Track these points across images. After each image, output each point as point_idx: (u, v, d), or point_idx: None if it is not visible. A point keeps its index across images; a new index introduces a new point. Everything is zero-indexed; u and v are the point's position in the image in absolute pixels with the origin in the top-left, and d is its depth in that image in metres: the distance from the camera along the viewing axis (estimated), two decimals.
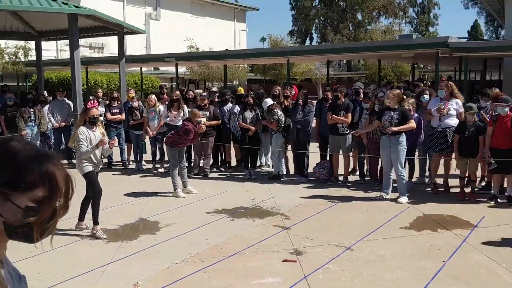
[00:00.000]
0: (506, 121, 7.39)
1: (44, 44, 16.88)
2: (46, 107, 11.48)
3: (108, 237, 6.22)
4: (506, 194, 7.64)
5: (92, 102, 6.60)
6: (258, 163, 10.60)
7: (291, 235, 6.17)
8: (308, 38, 54.14)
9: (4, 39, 19.66)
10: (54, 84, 25.79)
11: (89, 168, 6.32)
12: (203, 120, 9.05)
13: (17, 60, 21.54)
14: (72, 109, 11.49)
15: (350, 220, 6.85)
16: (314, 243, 5.85)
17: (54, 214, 1.22)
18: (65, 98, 11.78)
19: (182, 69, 30.01)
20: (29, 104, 11.05)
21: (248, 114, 9.79)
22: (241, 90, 11.40)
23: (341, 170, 9.40)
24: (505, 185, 7.78)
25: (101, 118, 10.87)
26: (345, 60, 45.57)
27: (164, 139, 9.06)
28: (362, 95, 9.69)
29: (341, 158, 9.27)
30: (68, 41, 13.22)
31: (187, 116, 9.31)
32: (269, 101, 9.75)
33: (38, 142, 11.25)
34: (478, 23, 57.81)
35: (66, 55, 31.16)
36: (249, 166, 9.85)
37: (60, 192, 1.22)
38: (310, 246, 5.74)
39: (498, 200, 7.62)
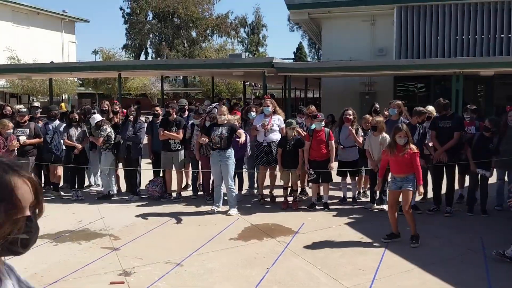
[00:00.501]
0: (321, 135, 8.18)
1: None
2: None
3: None
4: (323, 201, 8.41)
5: None
6: (87, 183, 10.08)
7: (119, 256, 5.97)
8: (143, 53, 53.46)
9: None
10: None
11: None
12: (22, 138, 8.37)
13: None
14: None
15: (181, 236, 6.88)
16: (143, 262, 5.73)
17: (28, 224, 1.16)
18: None
19: (1, 82, 27.26)
20: None
21: (74, 131, 9.27)
22: (63, 107, 10.79)
23: (174, 186, 9.42)
24: (321, 193, 8.56)
25: None
26: (181, 76, 46.02)
27: None
28: (186, 112, 9.91)
29: (174, 174, 9.29)
30: None
31: None
32: (97, 117, 9.38)
33: None
34: (302, 45, 63.18)
35: None
36: (76, 186, 9.30)
37: (20, 203, 1.11)
38: (139, 266, 5.62)
39: (316, 207, 8.36)
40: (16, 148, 8.50)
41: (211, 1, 50.62)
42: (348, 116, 8.65)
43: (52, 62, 22.40)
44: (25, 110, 9.90)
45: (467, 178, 8.55)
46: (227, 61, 17.54)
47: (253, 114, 9.35)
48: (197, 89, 43.60)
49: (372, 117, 8.67)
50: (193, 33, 51.56)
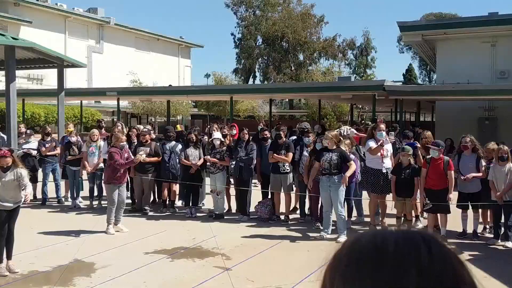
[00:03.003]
0: (439, 163, 7.76)
1: None
2: None
3: (39, 280, 5.89)
4: (440, 234, 7.93)
5: (3, 151, 6.32)
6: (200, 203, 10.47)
7: (232, 276, 6.09)
8: (251, 76, 55.10)
9: None
10: None
11: None
12: (143, 156, 8.93)
13: None
14: (6, 143, 10.98)
15: (291, 261, 6.86)
16: (255, 285, 5.79)
17: None
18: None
19: (124, 103, 29.60)
20: None
21: (191, 151, 9.73)
22: (179, 127, 11.35)
23: (282, 208, 9.47)
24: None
25: (34, 152, 10.49)
26: (287, 99, 46.62)
27: (102, 178, 8.86)
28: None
29: (282, 196, 9.36)
30: (2, 71, 12.78)
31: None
32: (217, 135, 9.68)
33: None
34: (412, 67, 61.09)
35: (2, 86, 30.00)
36: (191, 204, 9.72)
37: None
38: None
39: None
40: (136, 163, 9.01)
41: (319, 25, 50.93)
42: (464, 144, 8.12)
43: (170, 85, 23.94)
44: (147, 129, 10.61)
45: None
46: (335, 84, 17.48)
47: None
48: (303, 111, 43.79)
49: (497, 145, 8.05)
50: (300, 57, 52.11)
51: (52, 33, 34.07)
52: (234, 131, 10.46)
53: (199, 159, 9.73)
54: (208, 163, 9.51)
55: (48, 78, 32.59)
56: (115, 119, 35.49)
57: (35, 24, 32.32)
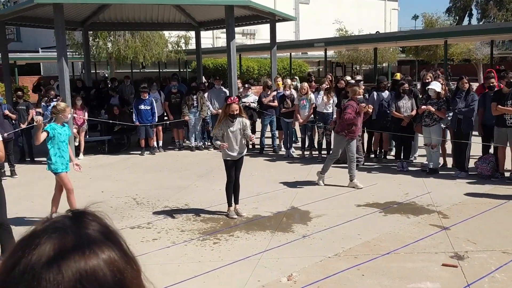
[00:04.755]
0: None
1: (202, 33, 17.99)
2: (206, 94, 12.28)
3: (262, 224, 6.46)
4: None
5: (232, 98, 6.86)
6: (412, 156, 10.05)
7: (450, 236, 5.77)
8: (467, 15, 49.83)
9: (168, 30, 21.45)
10: (210, 71, 27.48)
11: (226, 157, 6.77)
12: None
13: (179, 48, 23.41)
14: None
15: None
16: (477, 248, 5.40)
17: None
18: (221, 87, 12.50)
19: (330, 52, 29.78)
20: (193, 91, 12.05)
21: (403, 103, 9.34)
22: (398, 76, 10.90)
23: (508, 165, 8.53)
24: None
25: (253, 105, 11.32)
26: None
27: (335, 127, 8.84)
28: None
29: (508, 152, 8.40)
30: (223, 29, 13.87)
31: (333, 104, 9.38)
32: (434, 85, 9.02)
33: (199, 127, 12.15)
34: None
35: (221, 42, 32.95)
36: (402, 157, 9.43)
37: None
38: (473, 251, 5.31)
39: None
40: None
41: None
42: None
43: (377, 32, 23.15)
44: (354, 82, 10.48)
45: None
46: None
47: None
48: None
49: None
50: None
51: None
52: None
53: (412, 110, 9.28)
54: (425, 113, 8.92)
55: (260, 32, 34.61)
56: (321, 69, 36.16)
57: None
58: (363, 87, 10.83)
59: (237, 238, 5.95)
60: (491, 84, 8.71)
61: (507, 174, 8.48)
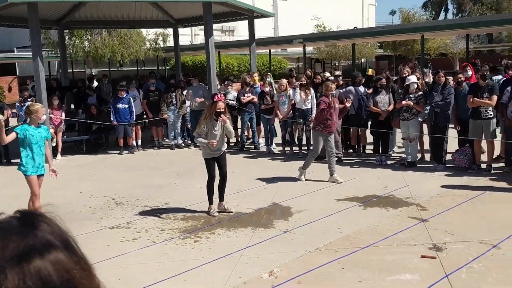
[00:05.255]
0: None
1: (180, 30, 17.87)
2: (185, 91, 12.21)
3: (243, 221, 6.46)
4: None
5: (219, 95, 6.83)
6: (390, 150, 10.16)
7: (428, 228, 5.85)
8: (443, 10, 50.50)
9: (145, 28, 21.28)
10: (189, 68, 27.34)
11: (206, 155, 6.76)
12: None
13: (157, 46, 23.24)
14: (208, 94, 12.06)
15: (495, 214, 6.31)
16: (454, 239, 5.48)
17: None
18: (201, 83, 12.45)
19: (309, 49, 29.88)
20: (172, 89, 11.97)
21: (380, 97, 9.42)
22: (370, 72, 10.99)
23: (483, 157, 8.68)
24: None
25: (233, 102, 11.29)
26: (485, 32, 41.77)
27: (312, 124, 8.93)
28: None
29: (484, 144, 8.56)
30: (201, 26, 13.80)
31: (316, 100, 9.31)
32: (413, 79, 9.14)
33: (178, 125, 12.08)
34: None
35: (199, 39, 32.79)
36: (381, 151, 9.52)
37: None
38: (451, 242, 5.39)
39: None
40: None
41: None
42: None
43: (355, 27, 23.29)
44: (333, 78, 10.52)
45: None
46: None
47: None
48: (505, 45, 38.88)
49: None
50: None
51: None
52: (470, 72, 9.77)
53: (389, 105, 9.37)
54: (403, 108, 9.00)
55: (239, 29, 34.53)
56: (300, 65, 36.26)
57: None
58: (342, 82, 10.93)
59: (218, 236, 5.94)
60: (460, 80, 8.84)
61: (483, 166, 8.63)
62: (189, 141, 12.20)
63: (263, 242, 5.63)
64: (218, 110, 6.54)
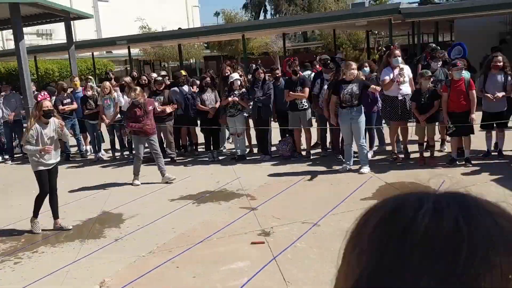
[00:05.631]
0: (460, 84, 7.53)
1: None
2: None
3: (70, 234, 6.05)
4: (465, 156, 7.82)
5: (42, 94, 6.32)
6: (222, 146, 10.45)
7: (258, 216, 6.15)
8: (262, 11, 53.63)
9: None
10: (2, 76, 24.73)
11: (38, 167, 6.11)
12: (156, 105, 8.77)
13: None
14: (22, 102, 11.04)
15: (315, 195, 6.89)
16: (281, 222, 5.85)
17: None
18: (13, 91, 11.32)
19: (135, 50, 29.26)
20: None
21: (207, 95, 9.62)
22: (183, 73, 11.10)
23: (304, 145, 9.44)
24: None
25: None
26: (300, 31, 45.48)
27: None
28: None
29: (303, 132, 9.29)
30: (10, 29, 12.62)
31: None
32: (236, 75, 9.50)
33: None
34: None
35: (12, 44, 29.87)
36: (212, 148, 9.74)
37: None
38: (277, 226, 5.74)
39: (457, 162, 7.81)
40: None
41: None
42: (498, 63, 7.78)
43: (179, 28, 23.44)
44: (160, 78, 10.44)
45: None
46: (349, 11, 16.86)
47: (366, 69, 8.83)
48: (317, 43, 42.78)
49: None
50: None
51: None
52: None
53: (216, 102, 9.63)
54: (229, 105, 9.29)
55: (58, 32, 32.27)
56: (128, 68, 35.34)
57: None
58: (168, 82, 10.89)
59: (42, 254, 5.47)
60: (277, 76, 9.50)
61: (304, 153, 9.36)
62: (6, 156, 11.04)
63: (92, 253, 5.33)
64: (46, 109, 5.99)
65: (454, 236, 0.55)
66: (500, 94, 7.66)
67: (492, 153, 8.10)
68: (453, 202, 0.61)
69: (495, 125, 7.93)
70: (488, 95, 7.72)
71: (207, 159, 9.72)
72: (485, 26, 17.40)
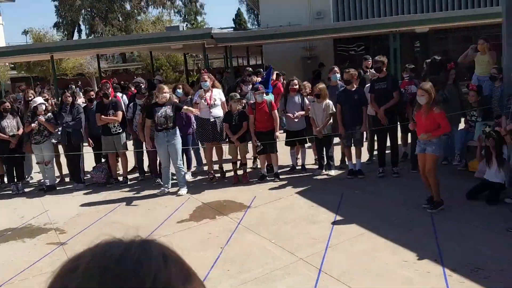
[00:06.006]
0: (263, 106, 8.11)
1: None
2: None
3: None
4: (274, 172, 8.40)
5: None
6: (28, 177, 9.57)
7: (67, 250, 5.73)
8: (76, 30, 51.11)
9: None
10: None
11: None
12: None
13: None
14: None
15: (131, 222, 6.70)
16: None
17: None
18: None
19: None
20: None
21: (7, 122, 8.74)
22: None
23: (121, 170, 9.14)
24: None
25: None
26: (117, 53, 44.44)
27: None
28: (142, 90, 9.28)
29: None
30: None
31: None
32: (38, 100, 8.77)
33: None
34: (241, 11, 62.18)
35: None
36: (16, 179, 8.84)
37: None
38: None
39: (267, 178, 8.35)
40: None
41: None
42: (294, 86, 8.57)
43: None
44: None
45: (409, 136, 8.74)
46: (164, 34, 17.03)
47: (179, 91, 9.15)
48: (137, 64, 42.33)
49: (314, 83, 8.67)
50: (128, 6, 49.65)
51: None
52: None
53: (18, 129, 8.79)
54: (34, 131, 8.56)
55: None
56: None
57: None
58: None
59: None
60: (91, 97, 9.10)
61: (120, 179, 9.06)
62: None
63: None
64: None
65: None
66: (299, 114, 8.45)
67: (297, 168, 8.86)
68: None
69: (297, 142, 8.70)
70: (289, 114, 8.46)
71: (11, 192, 8.79)
72: (289, 51, 19.20)
